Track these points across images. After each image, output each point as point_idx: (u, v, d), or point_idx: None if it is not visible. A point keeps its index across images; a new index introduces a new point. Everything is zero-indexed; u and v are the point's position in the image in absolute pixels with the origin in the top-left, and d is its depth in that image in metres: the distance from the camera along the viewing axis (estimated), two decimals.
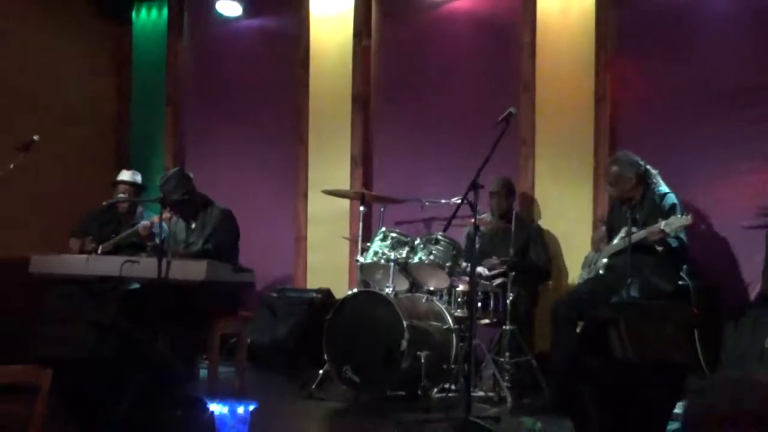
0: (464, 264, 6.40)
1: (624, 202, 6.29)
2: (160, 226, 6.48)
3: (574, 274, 7.04)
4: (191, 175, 6.73)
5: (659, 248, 5.93)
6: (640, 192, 6.24)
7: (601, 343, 4.65)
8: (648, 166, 6.26)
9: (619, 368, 4.57)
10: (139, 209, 7.61)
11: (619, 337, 4.58)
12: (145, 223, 7.14)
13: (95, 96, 9.02)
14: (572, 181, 7.29)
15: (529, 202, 7.37)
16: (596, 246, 6.67)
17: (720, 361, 6.10)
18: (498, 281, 6.49)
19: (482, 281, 6.48)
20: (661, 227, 5.79)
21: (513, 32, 7.55)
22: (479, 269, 6.44)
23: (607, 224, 6.58)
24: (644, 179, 6.23)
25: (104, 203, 7.44)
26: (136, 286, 6.76)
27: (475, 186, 5.46)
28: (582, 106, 7.25)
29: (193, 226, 6.66)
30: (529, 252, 6.93)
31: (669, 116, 6.95)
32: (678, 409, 5.06)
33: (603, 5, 7.20)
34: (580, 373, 4.84)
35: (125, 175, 7.68)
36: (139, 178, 7.69)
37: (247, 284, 6.65)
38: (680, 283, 6.10)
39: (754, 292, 6.44)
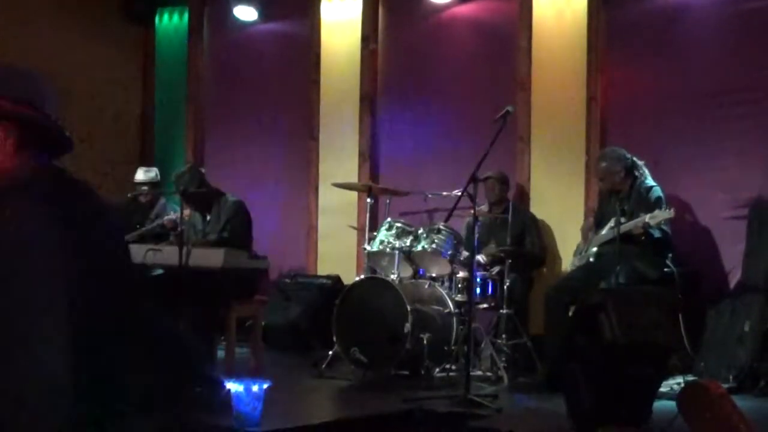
0: (464, 252, 6.39)
1: (614, 194, 6.27)
2: (181, 217, 6.48)
3: (567, 261, 7.02)
4: (203, 170, 6.72)
5: (642, 238, 5.94)
6: (628, 184, 6.23)
7: (592, 326, 4.64)
8: (634, 158, 6.25)
9: (608, 349, 4.57)
10: (162, 201, 7.59)
11: (608, 320, 4.57)
12: (171, 216, 7.14)
13: (122, 94, 9.00)
14: (565, 175, 7.26)
15: (525, 194, 7.35)
16: (585, 235, 6.65)
17: (702, 343, 6.10)
18: (496, 269, 6.47)
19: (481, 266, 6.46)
20: (646, 220, 5.78)
21: (510, 36, 7.51)
22: (478, 257, 6.41)
23: (596, 215, 6.56)
24: (632, 171, 6.22)
25: (129, 195, 7.43)
26: (160, 271, 6.75)
27: (474, 179, 5.45)
28: (574, 105, 7.22)
29: (209, 217, 6.64)
30: (525, 240, 6.91)
31: (655, 115, 6.92)
32: (663, 387, 5.08)
33: (594, 12, 7.16)
34: (572, 353, 4.84)
35: (139, 174, 7.58)
36: (152, 174, 7.59)
37: (262, 270, 6.65)
38: (666, 270, 6.06)
39: (734, 279, 6.42)
